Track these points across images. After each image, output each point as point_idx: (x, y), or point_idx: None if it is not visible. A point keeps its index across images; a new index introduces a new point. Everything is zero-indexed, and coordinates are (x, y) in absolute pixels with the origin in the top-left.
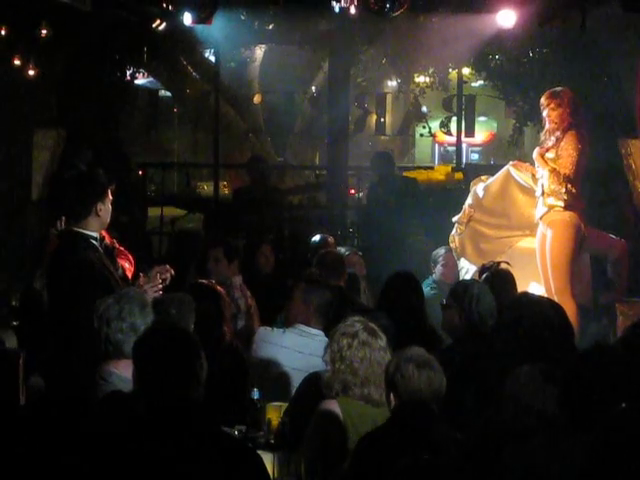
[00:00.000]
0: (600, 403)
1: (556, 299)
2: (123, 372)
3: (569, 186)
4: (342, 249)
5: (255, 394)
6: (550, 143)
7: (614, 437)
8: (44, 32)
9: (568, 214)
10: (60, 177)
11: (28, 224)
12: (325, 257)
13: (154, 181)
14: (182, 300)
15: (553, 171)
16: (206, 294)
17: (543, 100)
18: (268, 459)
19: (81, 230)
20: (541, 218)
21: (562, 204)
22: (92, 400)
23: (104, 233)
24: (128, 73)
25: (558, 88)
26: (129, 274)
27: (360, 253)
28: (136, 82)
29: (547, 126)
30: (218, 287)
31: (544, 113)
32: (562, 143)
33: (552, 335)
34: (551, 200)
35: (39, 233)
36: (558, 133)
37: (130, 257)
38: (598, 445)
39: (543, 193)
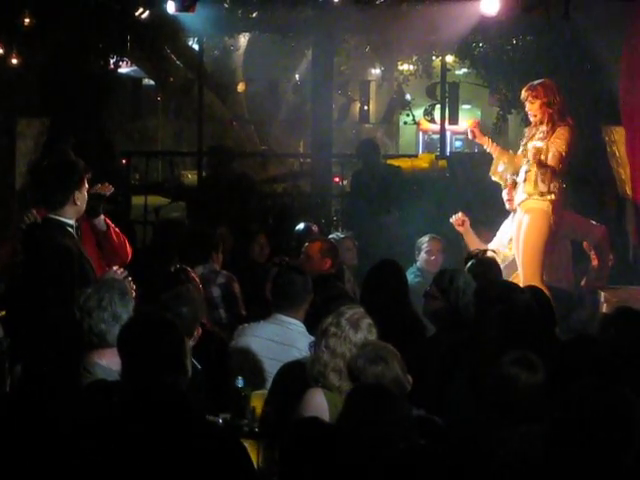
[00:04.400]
0: None
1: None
2: (107, 362)
3: (555, 183)
4: (335, 235)
5: (239, 382)
6: (540, 135)
7: (568, 420)
8: (27, 20)
9: (546, 203)
10: (39, 165)
11: (12, 213)
12: (311, 247)
13: (138, 169)
14: (192, 298)
15: (541, 165)
16: (179, 282)
17: (522, 94)
18: (253, 447)
19: (58, 218)
20: (520, 204)
21: (548, 197)
22: (76, 390)
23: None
24: (112, 62)
25: (537, 81)
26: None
27: (356, 242)
28: (120, 71)
29: (531, 119)
30: (192, 274)
31: (526, 108)
32: (553, 137)
33: (537, 324)
34: (532, 189)
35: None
36: (544, 126)
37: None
38: (554, 426)
39: (525, 180)
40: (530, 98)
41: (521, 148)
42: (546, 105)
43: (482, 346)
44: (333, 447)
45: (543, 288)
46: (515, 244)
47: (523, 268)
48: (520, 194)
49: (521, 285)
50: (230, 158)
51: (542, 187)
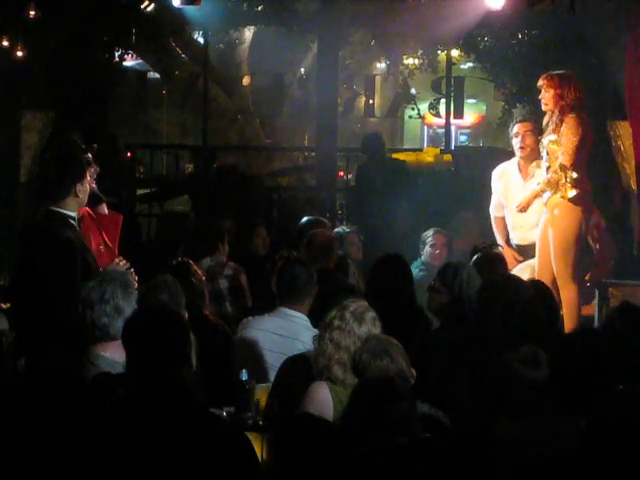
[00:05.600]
0: (587, 385)
1: (559, 283)
2: (111, 355)
3: (569, 173)
4: (341, 229)
5: (244, 375)
6: (551, 127)
7: (610, 420)
8: (32, 13)
9: (572, 196)
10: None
11: (17, 206)
12: (314, 238)
13: (142, 162)
14: (171, 284)
15: (556, 159)
16: (180, 275)
17: (539, 81)
18: (256, 440)
19: (60, 210)
20: (546, 203)
21: (573, 190)
22: (81, 383)
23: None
24: (117, 55)
25: (557, 71)
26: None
27: (361, 236)
28: (125, 64)
29: (543, 108)
30: (194, 267)
31: (540, 95)
32: (562, 128)
33: (539, 319)
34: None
35: (28, 214)
36: (555, 117)
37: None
38: (594, 427)
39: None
40: (545, 87)
41: (539, 146)
42: (559, 96)
43: (484, 340)
44: (326, 442)
45: (574, 284)
46: (540, 241)
47: (555, 263)
48: (546, 193)
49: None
50: (213, 155)
51: (561, 183)
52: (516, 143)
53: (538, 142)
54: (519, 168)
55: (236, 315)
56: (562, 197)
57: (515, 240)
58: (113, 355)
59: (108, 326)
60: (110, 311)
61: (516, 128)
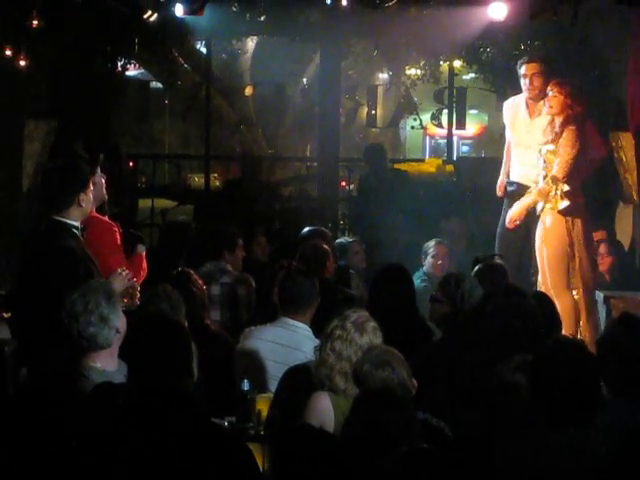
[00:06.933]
0: (585, 395)
1: (552, 292)
2: (102, 365)
3: (561, 185)
4: (344, 239)
5: (245, 385)
6: (551, 137)
7: None
8: (35, 22)
9: (563, 207)
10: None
11: (19, 215)
12: (305, 251)
13: (145, 172)
14: (171, 293)
15: (552, 169)
16: (181, 284)
17: (549, 86)
18: (258, 450)
19: (63, 219)
20: (539, 214)
21: (563, 202)
22: (76, 393)
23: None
24: (119, 64)
25: (567, 79)
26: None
27: (363, 246)
28: (127, 73)
29: (545, 110)
30: (195, 276)
31: (546, 98)
32: (561, 139)
33: (539, 329)
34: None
35: (30, 223)
36: (556, 126)
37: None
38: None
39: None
40: (556, 92)
41: (537, 154)
42: (567, 105)
43: (485, 351)
44: (327, 453)
45: (568, 293)
46: (538, 250)
47: (548, 273)
48: (540, 204)
49: (548, 290)
50: (258, 164)
51: (554, 194)
52: (524, 84)
53: (546, 83)
54: (526, 104)
55: (223, 323)
56: (552, 208)
57: (515, 177)
58: (104, 366)
59: (96, 336)
60: (96, 321)
61: (524, 69)
